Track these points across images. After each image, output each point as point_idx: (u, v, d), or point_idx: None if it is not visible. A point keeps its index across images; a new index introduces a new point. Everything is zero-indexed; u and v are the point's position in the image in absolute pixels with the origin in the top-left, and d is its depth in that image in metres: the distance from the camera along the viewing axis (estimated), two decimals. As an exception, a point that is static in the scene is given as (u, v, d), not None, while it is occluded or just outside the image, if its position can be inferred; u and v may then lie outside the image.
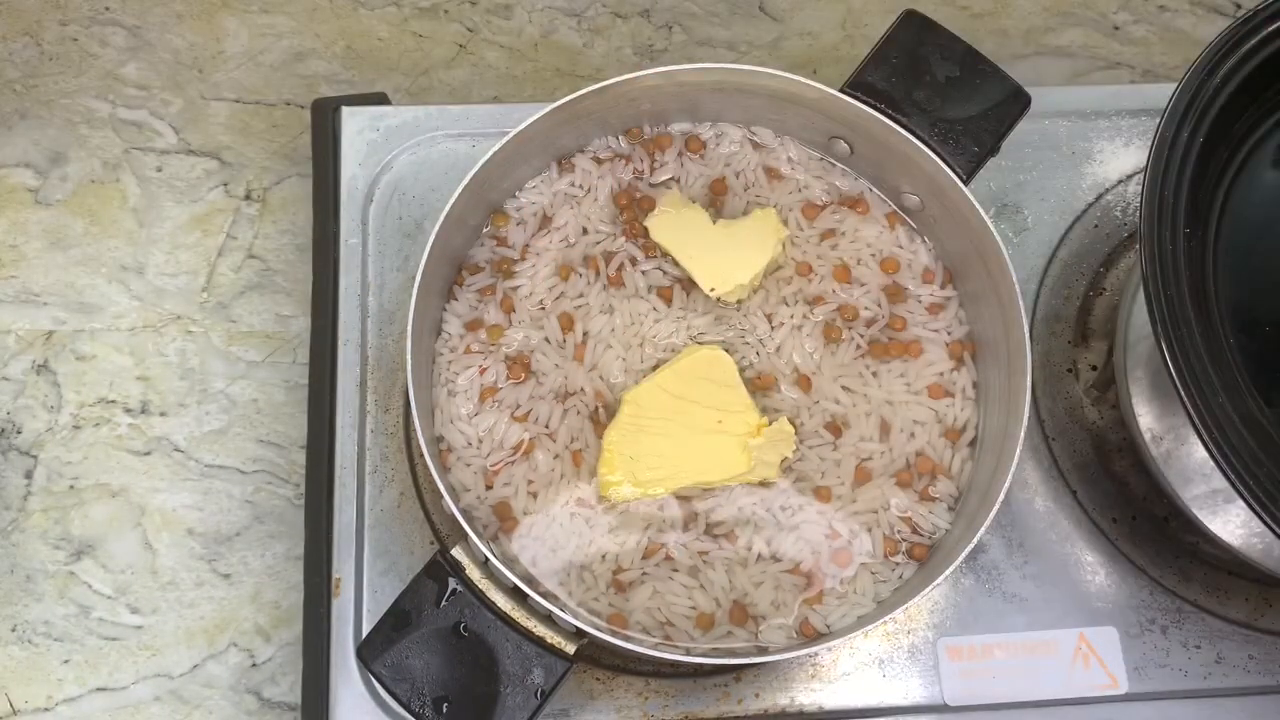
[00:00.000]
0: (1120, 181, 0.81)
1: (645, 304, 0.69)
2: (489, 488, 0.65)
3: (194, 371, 0.83)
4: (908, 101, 0.67)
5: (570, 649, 0.57)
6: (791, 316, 0.69)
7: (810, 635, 0.63)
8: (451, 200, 0.64)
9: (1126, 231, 0.79)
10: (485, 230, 0.70)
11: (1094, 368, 0.76)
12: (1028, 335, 0.63)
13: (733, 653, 0.63)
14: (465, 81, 0.93)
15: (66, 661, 0.77)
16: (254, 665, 0.77)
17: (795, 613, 0.63)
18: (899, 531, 0.65)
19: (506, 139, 0.65)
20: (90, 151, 0.89)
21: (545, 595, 0.61)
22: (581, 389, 0.67)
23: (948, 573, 0.60)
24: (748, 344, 0.68)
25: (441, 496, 0.60)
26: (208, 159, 0.90)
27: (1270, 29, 0.60)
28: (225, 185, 0.89)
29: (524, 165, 0.70)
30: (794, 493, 0.65)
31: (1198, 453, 0.65)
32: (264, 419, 0.82)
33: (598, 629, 0.59)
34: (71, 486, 0.80)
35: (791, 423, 0.66)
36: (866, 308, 0.69)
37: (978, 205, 0.65)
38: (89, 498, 0.80)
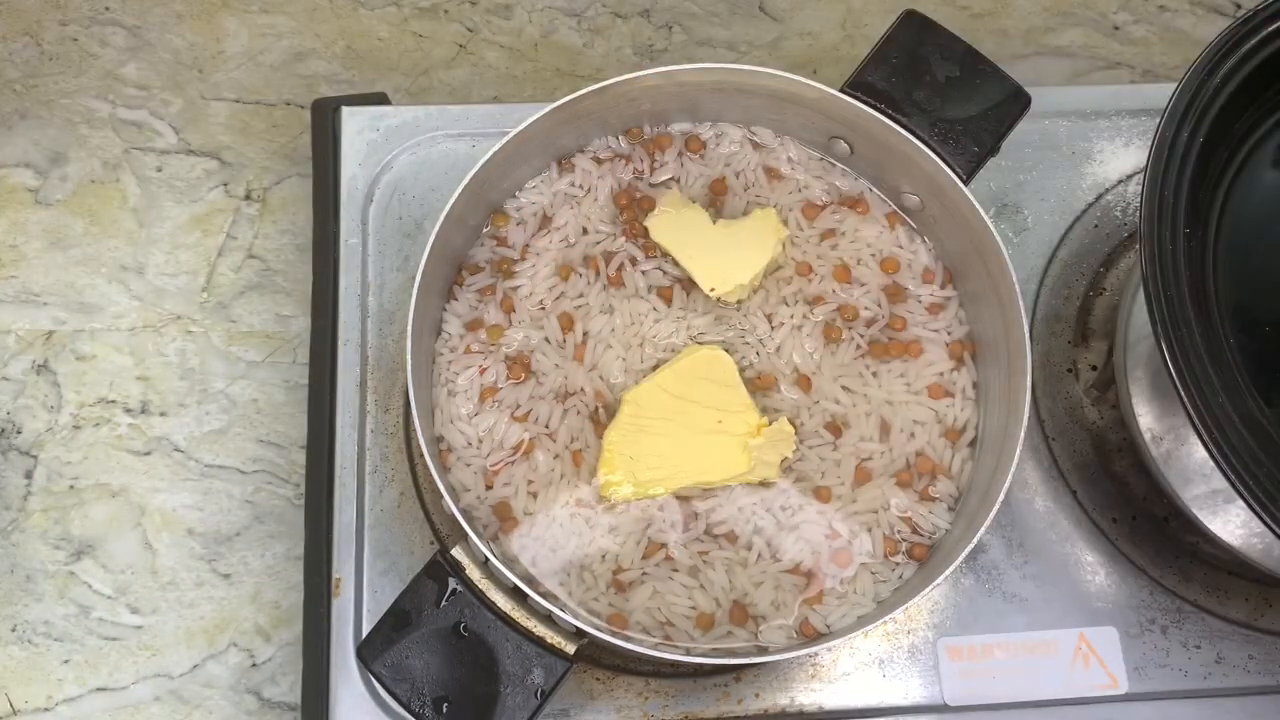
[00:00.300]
0: (1120, 181, 0.81)
1: (645, 304, 0.69)
2: (489, 488, 0.65)
3: (194, 371, 0.83)
4: (908, 101, 0.67)
5: (570, 649, 0.57)
6: (791, 316, 0.69)
7: (810, 635, 0.63)
8: (451, 200, 0.64)
9: (1126, 231, 0.79)
10: (485, 230, 0.70)
11: (1094, 368, 0.76)
12: (1028, 335, 0.63)
13: (733, 653, 0.63)
14: (465, 81, 0.93)
15: (66, 661, 0.76)
16: (254, 665, 0.77)
17: (795, 613, 0.63)
18: (899, 531, 0.65)
19: (506, 139, 0.65)
20: (90, 151, 0.89)
21: (545, 595, 0.61)
22: (581, 389, 0.67)
23: (948, 573, 0.60)
24: (748, 344, 0.68)
25: (441, 496, 0.60)
26: (208, 159, 0.89)
27: (1270, 29, 0.60)
28: (225, 185, 0.89)
29: (524, 165, 0.70)
30: (794, 493, 0.65)
31: (1198, 453, 0.65)
32: (264, 419, 0.82)
33: (598, 629, 0.59)
34: (71, 486, 0.80)
35: (791, 423, 0.66)
36: (866, 308, 0.69)
37: (978, 205, 0.65)
38: (89, 498, 0.80)
